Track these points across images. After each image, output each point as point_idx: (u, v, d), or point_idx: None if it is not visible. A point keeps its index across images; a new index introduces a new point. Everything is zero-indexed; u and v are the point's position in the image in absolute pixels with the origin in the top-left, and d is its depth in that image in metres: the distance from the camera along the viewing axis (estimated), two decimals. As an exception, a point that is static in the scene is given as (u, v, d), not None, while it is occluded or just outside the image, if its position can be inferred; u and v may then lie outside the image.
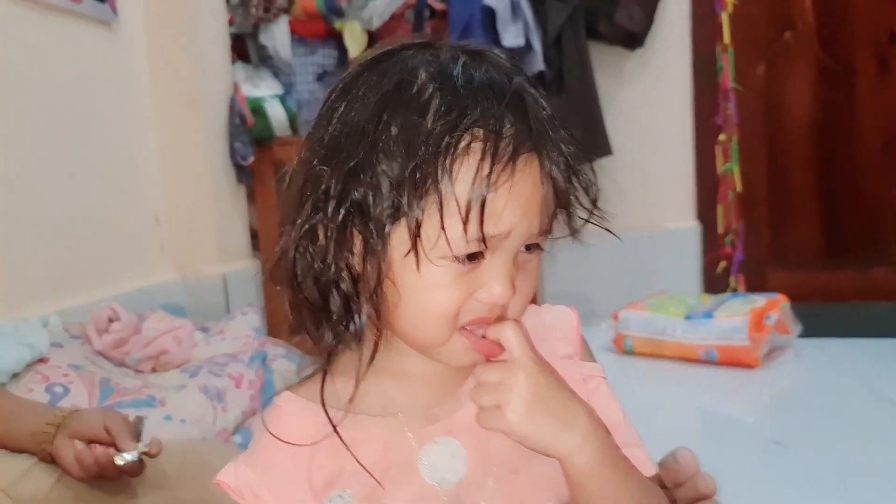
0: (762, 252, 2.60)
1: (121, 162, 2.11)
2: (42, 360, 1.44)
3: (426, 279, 0.50)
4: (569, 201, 0.53)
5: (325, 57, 2.53)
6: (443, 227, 0.48)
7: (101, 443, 0.98)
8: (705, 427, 1.73)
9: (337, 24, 2.45)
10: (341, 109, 0.52)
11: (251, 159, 2.32)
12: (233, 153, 2.32)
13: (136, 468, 0.99)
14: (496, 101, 0.49)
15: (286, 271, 0.53)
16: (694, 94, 2.59)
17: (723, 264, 2.52)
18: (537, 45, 2.36)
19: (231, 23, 2.44)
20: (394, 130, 0.49)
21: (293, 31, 2.46)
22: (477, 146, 0.48)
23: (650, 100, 2.61)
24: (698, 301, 2.20)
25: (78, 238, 1.88)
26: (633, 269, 2.62)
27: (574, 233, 0.57)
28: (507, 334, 0.51)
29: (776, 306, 2.04)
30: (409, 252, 0.50)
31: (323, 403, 0.54)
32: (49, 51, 1.83)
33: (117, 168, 2.08)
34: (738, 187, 2.48)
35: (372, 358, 0.54)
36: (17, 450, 1.03)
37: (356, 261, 0.52)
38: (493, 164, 0.48)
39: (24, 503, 0.98)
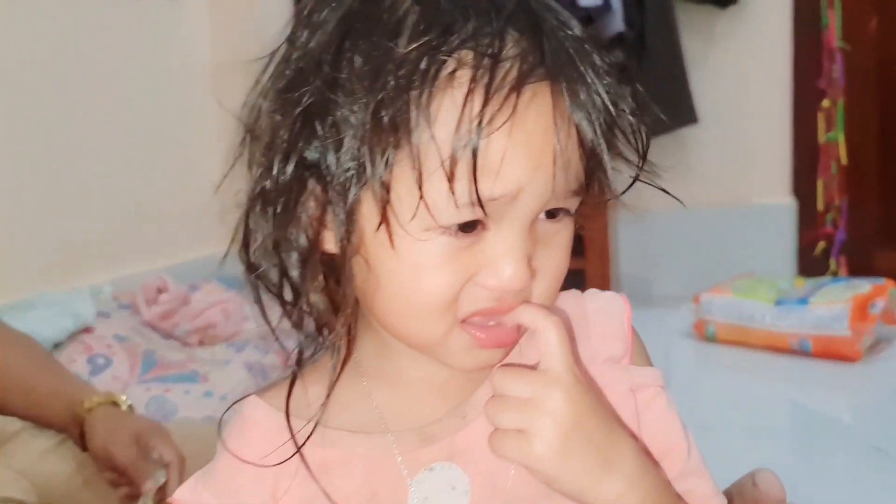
0: (869, 231, 2.34)
1: (181, 132, 2.11)
2: (87, 330, 1.43)
3: (406, 259, 0.39)
4: (597, 154, 0.39)
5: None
6: (419, 188, 0.36)
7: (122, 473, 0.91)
8: (795, 427, 1.58)
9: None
10: (300, 36, 0.41)
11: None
12: (295, 122, 2.28)
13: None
14: (495, 14, 0.37)
15: (241, 245, 0.43)
16: (794, 54, 2.35)
17: (822, 245, 2.30)
18: (617, 4, 2.19)
19: (295, -10, 2.39)
20: (357, 60, 0.37)
21: None
22: (464, 74, 0.36)
23: (743, 62, 2.38)
24: (791, 285, 2.01)
25: (137, 208, 1.89)
26: (718, 248, 2.43)
27: (608, 198, 0.44)
28: (547, 334, 0.39)
29: (883, 292, 1.83)
30: (380, 224, 0.38)
31: (287, 415, 0.43)
32: (114, 25, 1.84)
33: (177, 139, 2.09)
34: (843, 159, 2.24)
35: (344, 360, 0.43)
36: (50, 425, 1.00)
37: (312, 234, 0.41)
38: (486, 98, 0.36)
39: (44, 484, 0.94)
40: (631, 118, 0.42)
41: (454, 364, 0.42)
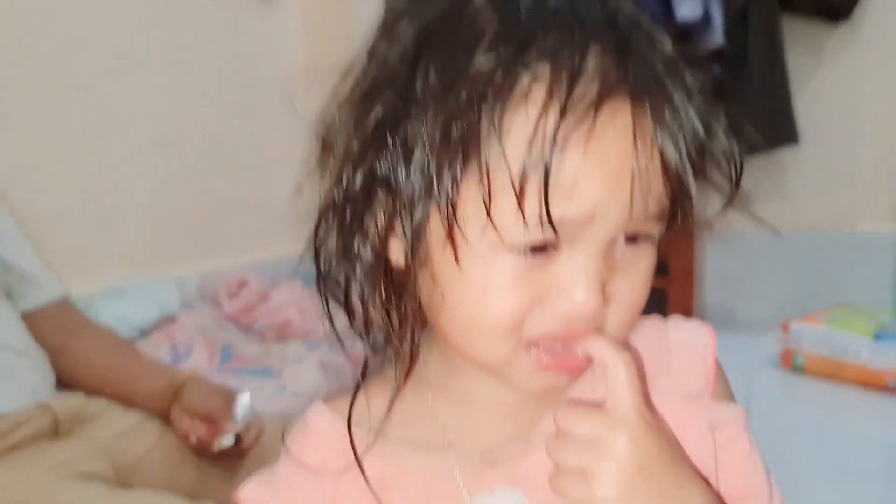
0: (982, 267, 2.19)
1: (271, 130, 2.15)
2: (171, 320, 1.49)
3: (472, 277, 0.37)
4: (682, 178, 0.37)
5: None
6: (486, 206, 0.35)
7: (206, 420, 1.03)
8: (889, 472, 1.48)
9: None
10: (379, 47, 0.40)
11: (401, 131, 2.30)
12: (382, 125, 2.31)
13: (236, 450, 1.02)
14: (578, 29, 0.35)
15: (312, 251, 0.43)
16: (909, 75, 2.21)
17: (928, 278, 2.15)
18: (717, 18, 2.11)
19: (389, -5, 2.43)
20: (432, 73, 0.36)
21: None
22: (540, 89, 0.34)
23: (852, 82, 2.27)
24: (892, 318, 1.88)
25: (223, 203, 1.95)
26: (813, 275, 2.32)
27: (693, 226, 0.41)
28: (616, 373, 0.37)
29: None
30: (446, 241, 0.37)
31: (349, 425, 0.43)
32: (208, 22, 1.90)
33: (266, 138, 2.13)
34: (957, 188, 2.10)
35: (408, 373, 0.42)
36: (133, 406, 1.08)
37: (380, 245, 0.40)
38: (562, 114, 0.34)
39: (120, 461, 1.00)
40: (724, 142, 0.39)
41: (519, 385, 0.40)
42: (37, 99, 1.46)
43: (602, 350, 0.38)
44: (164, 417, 1.07)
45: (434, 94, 0.36)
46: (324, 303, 0.44)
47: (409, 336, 0.41)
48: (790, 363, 1.90)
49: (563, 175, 0.35)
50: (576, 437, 0.37)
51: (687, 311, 2.03)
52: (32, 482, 0.87)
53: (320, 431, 0.45)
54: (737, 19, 2.17)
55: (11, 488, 0.84)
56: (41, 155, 1.46)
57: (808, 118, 2.25)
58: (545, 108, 0.34)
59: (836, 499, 1.28)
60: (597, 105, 0.34)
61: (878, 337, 1.76)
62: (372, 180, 0.39)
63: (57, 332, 1.11)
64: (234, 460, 1.03)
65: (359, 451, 0.42)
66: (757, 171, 1.99)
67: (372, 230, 0.40)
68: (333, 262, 0.42)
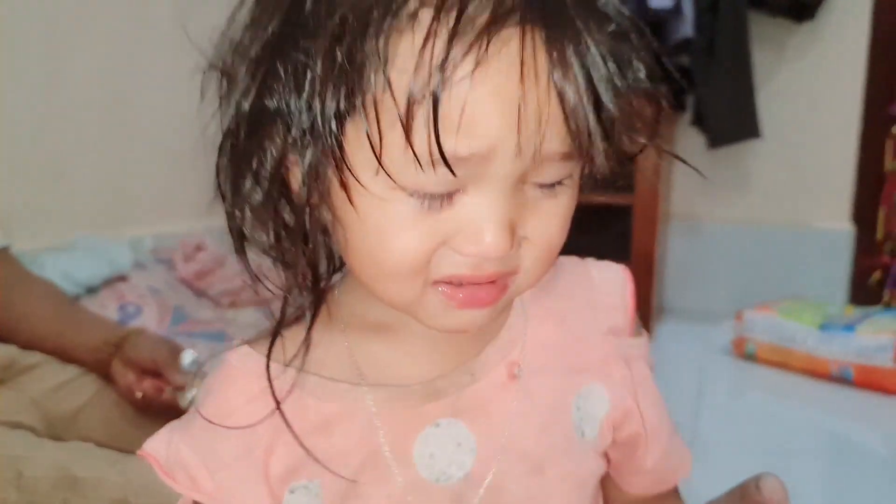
0: (929, 266, 2.25)
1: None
2: (122, 279, 1.45)
3: (368, 219, 0.36)
4: (582, 124, 0.34)
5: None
6: (372, 144, 0.33)
7: (151, 373, 0.99)
8: (828, 455, 1.52)
9: None
10: None
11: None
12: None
13: (183, 409, 0.98)
14: None
15: (221, 182, 0.41)
16: (867, 77, 2.26)
17: (877, 274, 2.21)
18: (688, 9, 2.14)
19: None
20: None
21: None
22: (427, 12, 0.32)
23: (814, 80, 2.31)
24: (840, 311, 1.95)
25: (185, 164, 1.89)
26: (769, 268, 2.38)
27: (591, 179, 0.39)
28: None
29: (936, 329, 1.75)
30: (336, 178, 0.35)
31: (268, 367, 0.41)
32: None
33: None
34: (909, 189, 2.15)
35: (316, 309, 0.41)
36: (71, 361, 1.04)
37: (275, 175, 0.38)
38: (450, 41, 0.32)
39: (53, 414, 0.97)
40: (642, 84, 0.37)
41: (433, 325, 0.39)
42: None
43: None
44: (104, 372, 1.02)
45: (318, 17, 0.34)
46: (236, 247, 0.42)
47: (311, 275, 0.40)
48: (742, 350, 1.96)
49: (453, 108, 0.32)
50: None
51: (647, 300, 2.06)
52: None
53: (245, 374, 0.43)
54: (707, 12, 2.19)
55: None
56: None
57: (771, 114, 2.29)
58: (432, 33, 0.32)
59: (796, 481, 1.30)
60: (489, 31, 0.32)
61: (823, 328, 1.82)
62: (262, 111, 0.37)
63: None
64: (174, 416, 1.02)
65: (287, 391, 0.41)
66: (719, 162, 2.04)
67: (268, 163, 0.38)
68: (235, 199, 0.40)
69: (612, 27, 0.35)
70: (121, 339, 1.02)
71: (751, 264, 2.40)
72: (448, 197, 0.35)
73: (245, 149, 0.38)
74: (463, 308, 0.37)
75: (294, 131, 0.36)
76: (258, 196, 0.39)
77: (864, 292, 2.26)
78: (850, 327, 1.78)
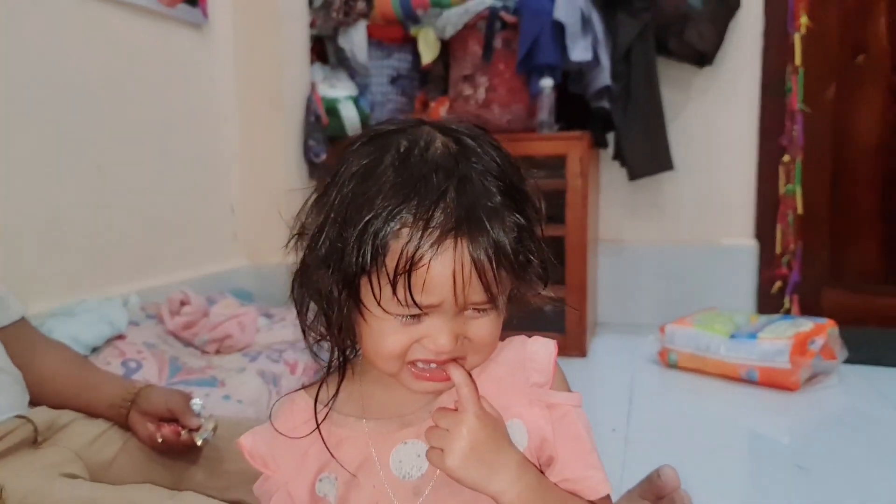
0: (819, 273, 2.58)
1: (203, 154, 2.27)
2: (120, 337, 1.60)
3: (372, 327, 0.60)
4: (490, 282, 0.58)
5: (399, 61, 2.64)
6: (373, 291, 0.58)
7: (167, 420, 1.14)
8: (740, 445, 1.72)
9: (412, 31, 2.56)
10: (329, 189, 0.62)
11: (324, 157, 2.46)
12: (307, 150, 2.47)
13: (200, 445, 1.14)
14: (432, 195, 0.57)
15: (294, 294, 0.65)
16: (760, 113, 2.58)
17: (778, 284, 2.51)
18: (605, 60, 2.40)
19: (312, 25, 2.59)
20: (357, 200, 0.59)
21: (370, 35, 2.58)
22: (406, 230, 0.56)
23: (716, 117, 2.61)
24: (746, 320, 2.21)
25: (160, 223, 2.05)
26: (688, 283, 2.65)
27: (514, 301, 0.63)
28: (461, 390, 0.60)
29: (823, 331, 2.03)
30: (354, 304, 0.60)
31: (315, 406, 0.66)
32: (145, 51, 2.00)
33: (199, 161, 2.25)
34: (799, 209, 2.47)
35: (341, 377, 0.66)
36: (96, 415, 1.19)
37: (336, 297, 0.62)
38: (418, 245, 0.56)
39: (92, 464, 1.11)
40: (534, 259, 0.61)
41: (408, 388, 0.63)
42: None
43: (456, 376, 0.61)
44: (122, 423, 1.16)
45: (351, 221, 0.58)
46: (302, 328, 0.65)
47: (341, 349, 0.65)
48: (666, 360, 2.21)
49: (419, 281, 0.56)
50: (439, 428, 0.61)
51: (581, 317, 2.31)
52: (28, 482, 0.97)
53: (299, 407, 0.68)
54: (622, 62, 2.46)
55: (12, 488, 0.96)
56: None
57: (681, 147, 2.58)
58: (409, 242, 0.56)
59: (703, 470, 1.51)
60: (438, 241, 0.55)
61: (733, 336, 2.08)
62: (319, 260, 0.61)
63: (19, 349, 1.17)
64: (193, 455, 1.15)
65: (319, 420, 0.65)
66: (639, 191, 2.38)
67: (321, 286, 0.62)
68: (302, 305, 0.64)
69: (515, 231, 0.59)
70: (134, 395, 1.17)
71: (671, 279, 2.67)
72: (417, 318, 0.60)
73: (309, 279, 0.63)
74: (426, 381, 0.62)
75: (335, 276, 0.60)
76: (314, 302, 0.64)
77: (768, 300, 2.57)
78: (753, 335, 2.04)
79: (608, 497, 0.64)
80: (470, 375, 0.61)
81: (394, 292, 0.56)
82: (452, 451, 0.59)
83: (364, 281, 0.58)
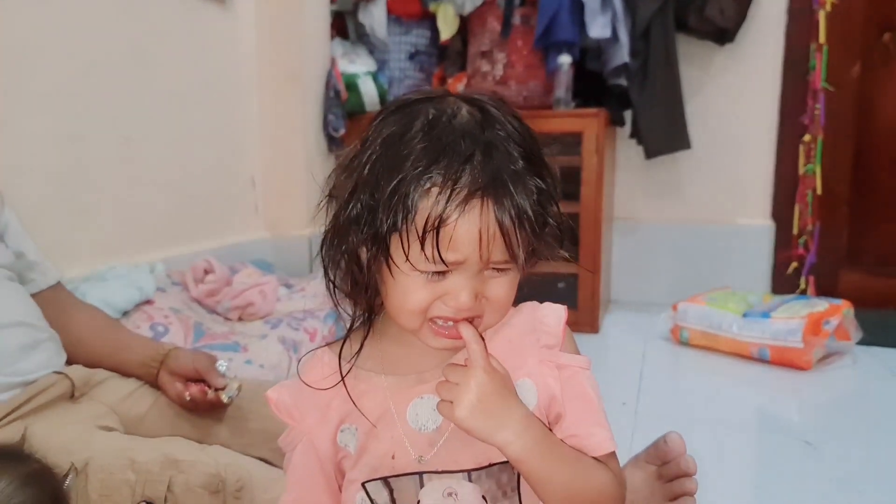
0: (837, 255, 2.58)
1: (225, 128, 2.31)
2: (148, 302, 1.66)
3: (398, 284, 0.64)
4: (512, 241, 0.61)
5: (418, 37, 2.65)
6: (404, 248, 0.61)
7: (194, 380, 1.20)
8: (751, 423, 1.75)
9: (432, 7, 2.57)
10: (361, 151, 0.65)
11: (342, 131, 2.50)
12: (326, 124, 2.50)
13: (226, 404, 1.20)
14: (459, 157, 0.60)
15: (323, 254, 0.68)
16: (782, 92, 2.57)
17: (794, 265, 2.52)
18: (624, 37, 2.40)
19: (333, 1, 2.61)
20: (384, 171, 0.62)
21: (390, 11, 2.60)
22: (435, 190, 0.59)
23: (736, 96, 2.61)
24: (760, 299, 2.22)
25: (184, 195, 2.10)
26: (703, 263, 2.66)
27: (528, 263, 0.66)
28: (471, 346, 0.63)
29: (838, 312, 2.05)
30: (386, 265, 0.63)
31: (339, 361, 0.70)
32: (169, 25, 2.04)
33: (222, 134, 2.29)
34: (819, 189, 2.46)
35: (366, 334, 0.70)
36: (127, 374, 1.25)
37: (354, 256, 0.66)
38: (446, 205, 0.59)
39: (126, 418, 1.18)
40: (552, 221, 0.65)
41: (427, 343, 0.66)
42: (21, 107, 1.58)
43: (466, 333, 0.64)
44: (153, 382, 1.23)
45: (381, 181, 0.61)
46: (329, 290, 0.69)
47: (364, 307, 0.68)
48: (678, 337, 2.24)
49: (446, 237, 0.59)
50: (451, 382, 0.64)
51: (594, 295, 2.34)
52: (68, 432, 1.03)
53: (324, 362, 0.71)
54: (641, 39, 2.46)
55: (53, 437, 1.02)
56: (26, 156, 1.59)
57: (699, 126, 2.58)
58: (437, 201, 0.59)
59: (713, 446, 1.55)
60: (465, 201, 0.58)
61: (745, 315, 2.10)
62: (350, 220, 0.64)
63: (56, 312, 1.23)
64: (218, 413, 1.21)
65: (343, 374, 0.69)
66: (656, 172, 2.40)
67: (350, 245, 0.65)
68: (330, 264, 0.67)
69: (535, 194, 0.63)
70: (163, 356, 1.23)
71: (685, 259, 2.69)
72: (442, 275, 0.63)
73: (339, 238, 0.66)
74: (444, 338, 0.65)
75: (365, 234, 0.63)
76: (343, 264, 0.67)
77: (784, 281, 2.58)
78: (766, 314, 2.06)
79: (613, 454, 0.67)
80: (480, 334, 0.64)
81: (422, 248, 0.59)
82: (461, 403, 0.62)
83: (395, 238, 0.61)
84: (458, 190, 0.59)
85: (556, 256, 0.67)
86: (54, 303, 1.26)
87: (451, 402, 0.62)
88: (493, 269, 0.63)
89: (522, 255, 0.63)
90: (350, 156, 0.66)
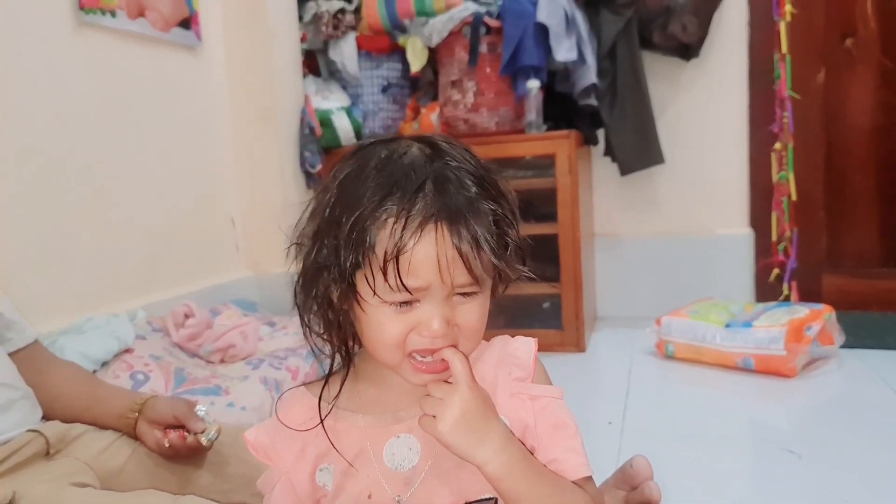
0: (818, 258, 2.60)
1: (201, 170, 2.33)
2: (128, 351, 1.66)
3: (371, 319, 0.65)
4: (472, 263, 0.63)
5: (389, 70, 2.69)
6: (368, 281, 0.63)
7: (173, 427, 1.20)
8: (739, 432, 1.75)
9: (400, 40, 2.61)
10: (325, 186, 0.68)
11: (319, 167, 2.52)
12: (302, 161, 2.52)
13: (205, 448, 1.20)
14: (412, 188, 0.63)
15: (296, 295, 0.69)
16: (750, 102, 2.60)
17: (776, 271, 2.53)
18: (590, 59, 2.44)
19: (303, 40, 2.65)
20: (341, 211, 0.64)
21: (360, 47, 2.64)
22: (391, 221, 0.62)
23: (705, 108, 2.64)
24: (741, 309, 2.23)
25: (163, 239, 2.11)
26: (685, 275, 2.68)
27: (496, 285, 0.68)
28: (455, 364, 0.65)
29: (820, 317, 2.05)
30: (354, 300, 0.65)
31: (319, 402, 0.71)
32: (141, 75, 2.06)
33: (198, 176, 2.31)
34: (793, 195, 2.48)
35: (345, 375, 0.70)
36: (105, 427, 1.25)
37: (325, 296, 0.67)
38: (402, 233, 0.61)
39: (103, 472, 1.17)
40: (512, 241, 0.66)
41: (408, 380, 0.68)
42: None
43: (450, 355, 0.65)
44: (131, 433, 1.22)
45: (340, 221, 0.64)
46: (305, 332, 0.70)
47: (344, 349, 0.70)
48: (663, 350, 2.24)
49: (406, 265, 0.61)
50: (434, 397, 0.65)
51: (577, 313, 2.35)
52: (40, 490, 1.03)
53: (301, 402, 0.73)
54: (606, 58, 2.50)
55: (27, 497, 1.03)
56: (3, 214, 1.60)
57: (672, 140, 2.61)
58: (393, 231, 0.61)
59: (700, 456, 1.55)
60: (420, 227, 0.61)
61: (728, 325, 2.11)
62: (318, 264, 0.66)
63: (33, 370, 1.25)
64: (199, 459, 1.21)
65: (323, 416, 0.70)
66: (634, 187, 2.42)
67: (321, 289, 0.67)
68: (304, 309, 0.69)
69: (491, 217, 0.65)
70: (141, 405, 1.23)
71: (669, 271, 2.70)
72: (409, 305, 0.64)
73: (309, 284, 0.68)
74: (424, 373, 0.66)
75: (332, 275, 0.65)
76: (316, 308, 0.68)
77: (767, 287, 2.59)
78: (748, 323, 2.07)
79: (590, 479, 0.68)
80: (464, 354, 0.66)
81: (385, 279, 0.61)
82: (444, 418, 0.63)
83: (359, 274, 0.63)
84: (412, 217, 0.61)
85: (521, 277, 0.68)
86: (31, 361, 1.27)
87: (434, 417, 0.63)
88: (460, 294, 0.65)
89: (487, 277, 0.65)
90: (314, 203, 0.69)
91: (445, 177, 0.64)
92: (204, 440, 1.18)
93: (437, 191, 0.63)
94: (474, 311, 0.66)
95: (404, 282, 0.62)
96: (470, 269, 0.63)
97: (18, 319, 1.30)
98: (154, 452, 1.21)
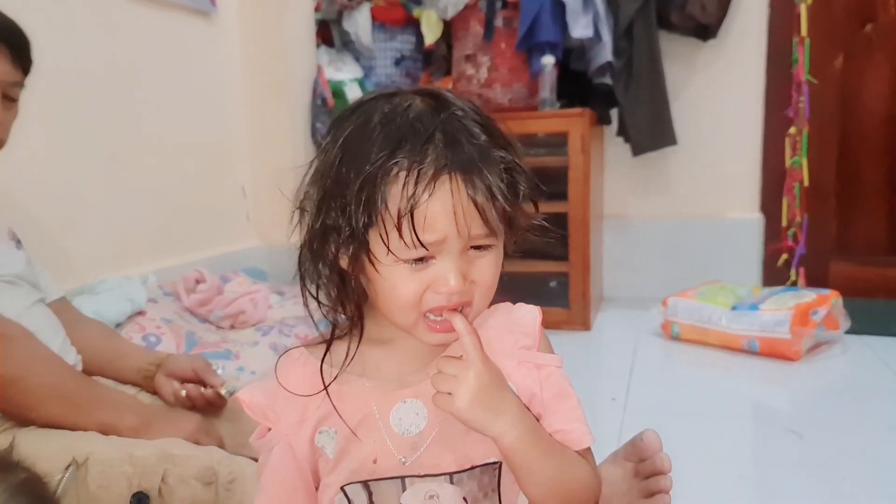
0: (827, 245, 2.59)
1: (214, 139, 2.34)
2: (140, 313, 1.68)
3: (386, 280, 0.64)
4: (487, 216, 0.62)
5: (403, 42, 2.68)
6: (383, 239, 0.61)
7: (190, 381, 1.24)
8: (742, 414, 1.76)
9: (415, 12, 2.59)
10: (323, 151, 0.66)
11: (331, 138, 2.51)
12: (314, 132, 2.52)
13: (222, 402, 1.24)
14: (421, 139, 0.61)
15: (301, 262, 0.68)
16: (766, 86, 2.59)
17: (784, 257, 2.53)
18: (606, 36, 2.42)
19: (317, 9, 2.63)
20: (348, 168, 0.62)
21: (374, 18, 2.62)
22: (402, 174, 0.60)
23: (721, 90, 2.63)
24: (749, 292, 2.23)
25: (175, 207, 2.13)
26: (694, 258, 2.67)
27: (508, 236, 0.67)
28: (465, 339, 0.64)
29: (826, 302, 2.06)
30: (367, 260, 0.63)
31: (321, 366, 0.69)
32: (155, 40, 2.06)
33: (211, 145, 2.32)
34: (806, 181, 2.48)
35: (360, 339, 0.69)
36: (125, 382, 1.29)
37: (333, 260, 0.66)
38: (415, 186, 0.59)
39: None
40: (524, 188, 0.65)
41: (421, 340, 0.67)
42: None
43: (460, 325, 0.64)
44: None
45: (349, 179, 0.62)
46: (305, 299, 0.68)
47: (353, 313, 0.68)
48: (669, 332, 2.25)
49: (421, 218, 0.59)
50: (447, 374, 0.64)
51: (584, 292, 2.35)
52: (68, 435, 1.04)
53: (300, 364, 0.71)
54: (623, 37, 2.48)
55: (49, 441, 1.03)
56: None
57: (685, 122, 2.60)
58: (406, 185, 0.59)
59: (702, 433, 1.57)
60: (433, 179, 0.59)
61: (734, 308, 2.11)
62: (325, 228, 0.64)
63: (62, 323, 1.26)
64: (216, 411, 1.24)
65: (327, 382, 0.69)
66: (645, 169, 2.42)
67: (329, 254, 0.65)
68: (309, 275, 0.67)
69: (502, 165, 0.63)
70: (160, 361, 1.28)
71: (677, 254, 2.70)
72: (425, 261, 0.63)
73: (317, 250, 0.66)
74: (437, 333, 0.66)
75: (342, 237, 0.63)
76: (325, 273, 0.67)
77: (774, 273, 2.59)
78: (754, 306, 2.07)
79: (590, 450, 0.68)
80: (473, 327, 0.65)
81: (400, 235, 0.59)
82: (461, 394, 0.62)
83: (373, 233, 0.61)
84: (424, 170, 0.59)
85: (534, 225, 0.67)
86: (60, 315, 1.29)
87: (449, 394, 0.63)
88: (476, 247, 0.63)
89: (501, 227, 0.63)
90: (315, 165, 0.66)
91: (454, 127, 0.62)
92: (224, 391, 1.22)
93: (448, 141, 0.61)
94: (489, 266, 0.65)
95: (420, 237, 0.60)
96: (486, 220, 0.61)
97: (46, 276, 1.32)
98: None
